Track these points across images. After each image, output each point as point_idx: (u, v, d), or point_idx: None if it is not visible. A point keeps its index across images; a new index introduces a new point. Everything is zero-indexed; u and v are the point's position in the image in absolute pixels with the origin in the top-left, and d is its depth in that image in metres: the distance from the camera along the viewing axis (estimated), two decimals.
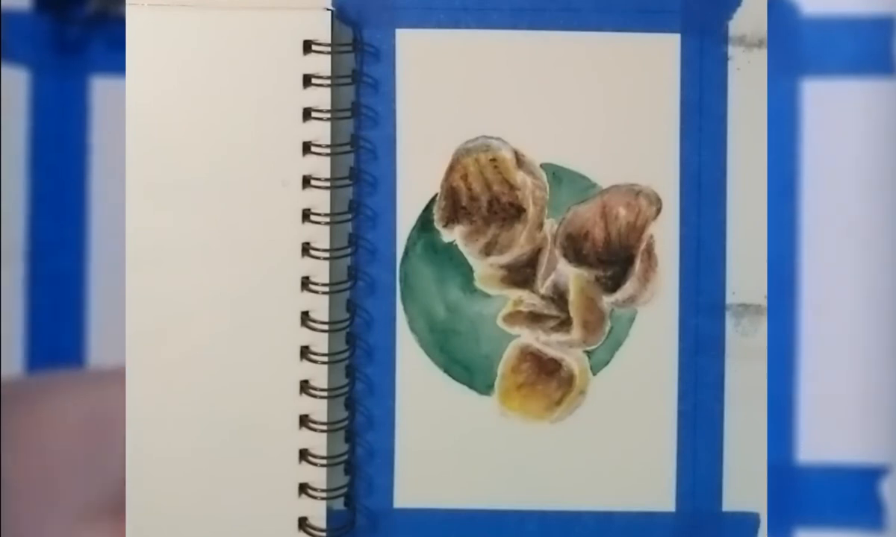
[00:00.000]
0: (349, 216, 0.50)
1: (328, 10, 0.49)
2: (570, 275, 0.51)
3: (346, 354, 0.50)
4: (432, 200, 0.50)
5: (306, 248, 0.49)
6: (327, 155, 0.49)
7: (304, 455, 0.49)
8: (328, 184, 0.49)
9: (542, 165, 0.50)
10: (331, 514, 0.50)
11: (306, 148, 0.49)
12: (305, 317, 0.49)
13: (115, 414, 0.39)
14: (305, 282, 0.49)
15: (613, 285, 0.51)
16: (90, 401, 0.39)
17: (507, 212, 0.50)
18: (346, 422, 0.50)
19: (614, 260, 0.51)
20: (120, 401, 0.39)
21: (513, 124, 0.50)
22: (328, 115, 0.49)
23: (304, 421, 0.49)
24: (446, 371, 0.51)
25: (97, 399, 0.39)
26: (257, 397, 0.49)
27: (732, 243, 0.50)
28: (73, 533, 0.38)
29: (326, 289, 0.49)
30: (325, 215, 0.49)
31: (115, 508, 0.39)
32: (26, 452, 0.39)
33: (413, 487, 0.51)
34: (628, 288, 0.51)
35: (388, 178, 0.50)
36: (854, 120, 0.50)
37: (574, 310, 0.51)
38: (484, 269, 0.51)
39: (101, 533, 0.38)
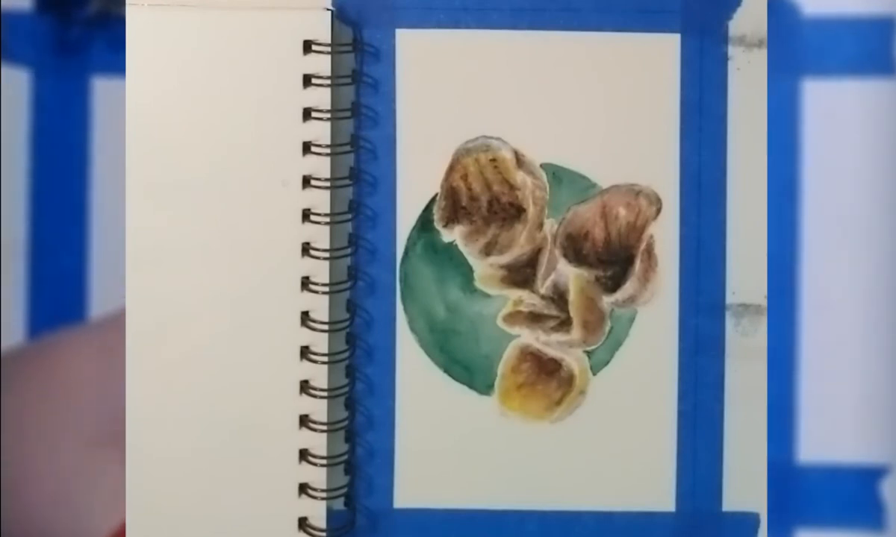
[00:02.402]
0: (349, 216, 0.50)
1: (328, 10, 0.49)
2: (570, 275, 0.51)
3: (346, 354, 0.50)
4: (432, 200, 0.50)
5: (306, 248, 0.49)
6: (327, 155, 0.49)
7: (304, 455, 0.49)
8: (328, 184, 0.49)
9: (542, 165, 0.50)
10: (331, 514, 0.50)
11: (306, 148, 0.49)
12: (305, 317, 0.49)
13: (117, 353, 0.43)
14: (305, 282, 0.49)
15: (613, 285, 0.51)
16: (94, 344, 0.44)
17: (507, 212, 0.50)
18: (346, 422, 0.50)
19: (614, 260, 0.51)
20: (120, 341, 0.44)
21: (513, 124, 0.50)
22: (328, 115, 0.49)
23: (304, 421, 0.49)
24: (446, 371, 0.51)
25: (100, 341, 0.44)
26: (257, 397, 0.49)
27: (732, 243, 0.50)
28: (85, 456, 0.42)
29: (326, 289, 0.49)
30: (325, 215, 0.49)
31: (121, 434, 0.43)
32: (41, 387, 0.43)
33: (413, 487, 0.51)
34: (628, 288, 0.51)
35: (388, 178, 0.50)
36: (854, 120, 0.50)
37: (574, 310, 0.51)
38: (484, 269, 0.51)
39: (110, 456, 0.42)
